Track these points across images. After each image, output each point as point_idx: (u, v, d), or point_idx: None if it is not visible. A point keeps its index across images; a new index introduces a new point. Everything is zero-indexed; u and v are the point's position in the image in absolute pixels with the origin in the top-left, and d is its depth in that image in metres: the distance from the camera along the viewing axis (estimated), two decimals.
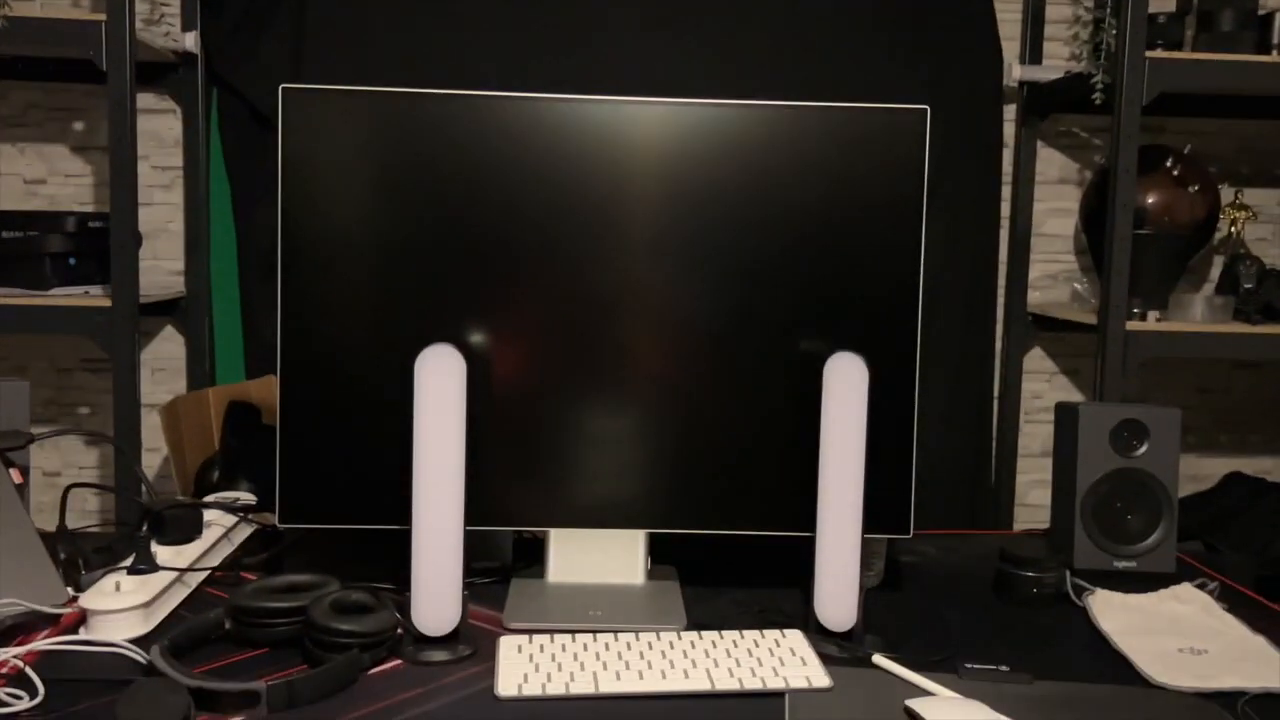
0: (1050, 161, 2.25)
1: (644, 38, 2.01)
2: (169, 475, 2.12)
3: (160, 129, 2.10)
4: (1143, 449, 1.36)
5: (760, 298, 1.18)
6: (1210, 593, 1.27)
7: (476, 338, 1.18)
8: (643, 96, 1.19)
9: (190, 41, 1.98)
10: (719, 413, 1.19)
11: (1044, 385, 2.31)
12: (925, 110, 1.19)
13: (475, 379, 1.17)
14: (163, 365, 2.16)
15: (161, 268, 2.14)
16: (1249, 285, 1.94)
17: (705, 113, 1.18)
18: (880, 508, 1.19)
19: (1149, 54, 1.80)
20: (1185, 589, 1.27)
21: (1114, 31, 1.84)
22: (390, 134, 1.17)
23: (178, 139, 2.10)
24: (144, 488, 1.43)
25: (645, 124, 1.18)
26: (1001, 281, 2.22)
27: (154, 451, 2.12)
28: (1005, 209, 2.21)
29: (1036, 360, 2.29)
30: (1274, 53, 1.90)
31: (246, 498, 1.47)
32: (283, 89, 1.16)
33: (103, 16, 1.69)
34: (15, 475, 1.20)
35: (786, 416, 1.19)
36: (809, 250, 1.18)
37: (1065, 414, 1.39)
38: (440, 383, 1.04)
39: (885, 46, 2.05)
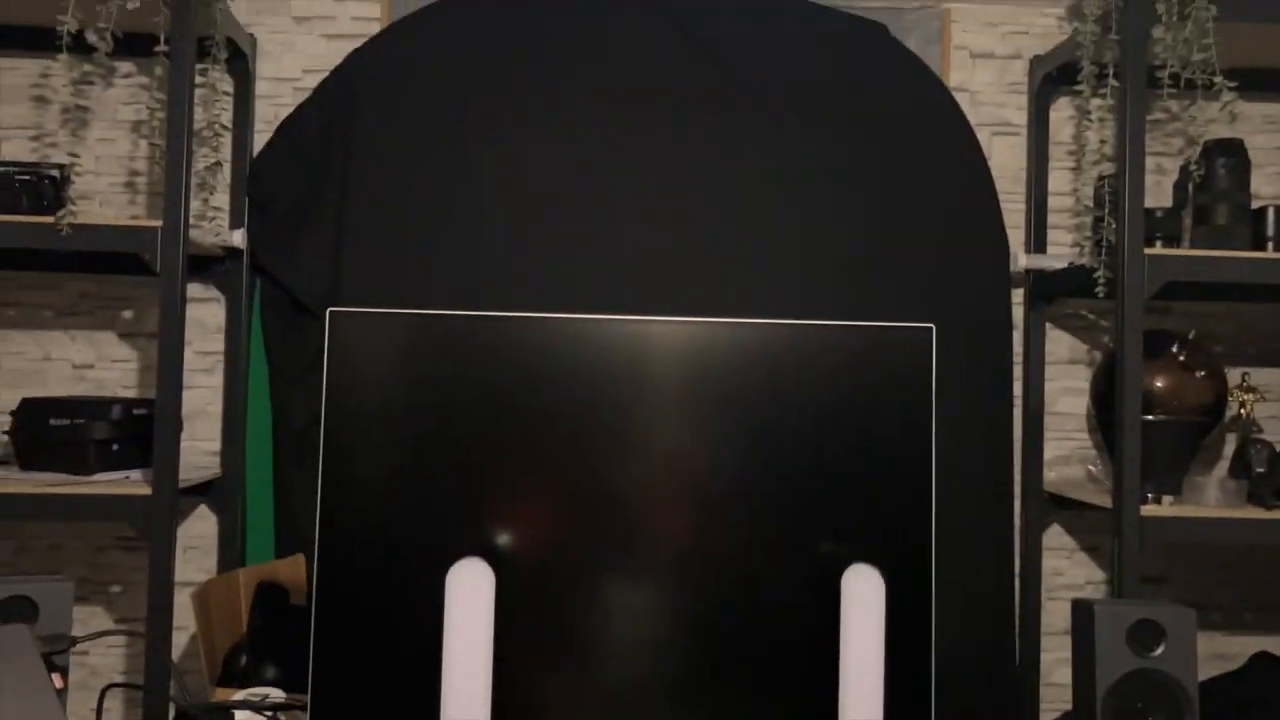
0: (1059, 342, 2.32)
1: (660, 247, 2.10)
2: (196, 654, 2.14)
3: (204, 316, 2.21)
4: (1160, 649, 1.37)
5: (777, 509, 1.23)
6: None
7: (505, 546, 1.22)
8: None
9: (238, 238, 2.11)
10: (739, 624, 1.22)
11: (1065, 562, 2.32)
12: (930, 329, 1.26)
13: (503, 585, 1.21)
14: (194, 544, 2.21)
15: (199, 448, 2.21)
16: (1260, 469, 1.97)
17: (720, 330, 1.26)
18: (901, 718, 1.21)
19: (1148, 250, 1.88)
20: None
21: (1113, 227, 1.93)
22: (426, 352, 1.24)
23: (221, 326, 2.20)
24: (172, 685, 1.46)
25: (664, 341, 1.25)
26: (1017, 460, 2.26)
27: (183, 629, 2.15)
28: (1017, 388, 2.27)
29: (1056, 537, 2.31)
30: (1269, 246, 1.98)
31: (275, 694, 1.49)
32: (330, 312, 1.25)
33: (159, 222, 1.81)
34: (57, 679, 1.24)
35: (806, 624, 1.22)
36: (822, 463, 1.24)
37: (1081, 613, 1.41)
38: (470, 597, 1.09)
39: (893, 237, 2.15)
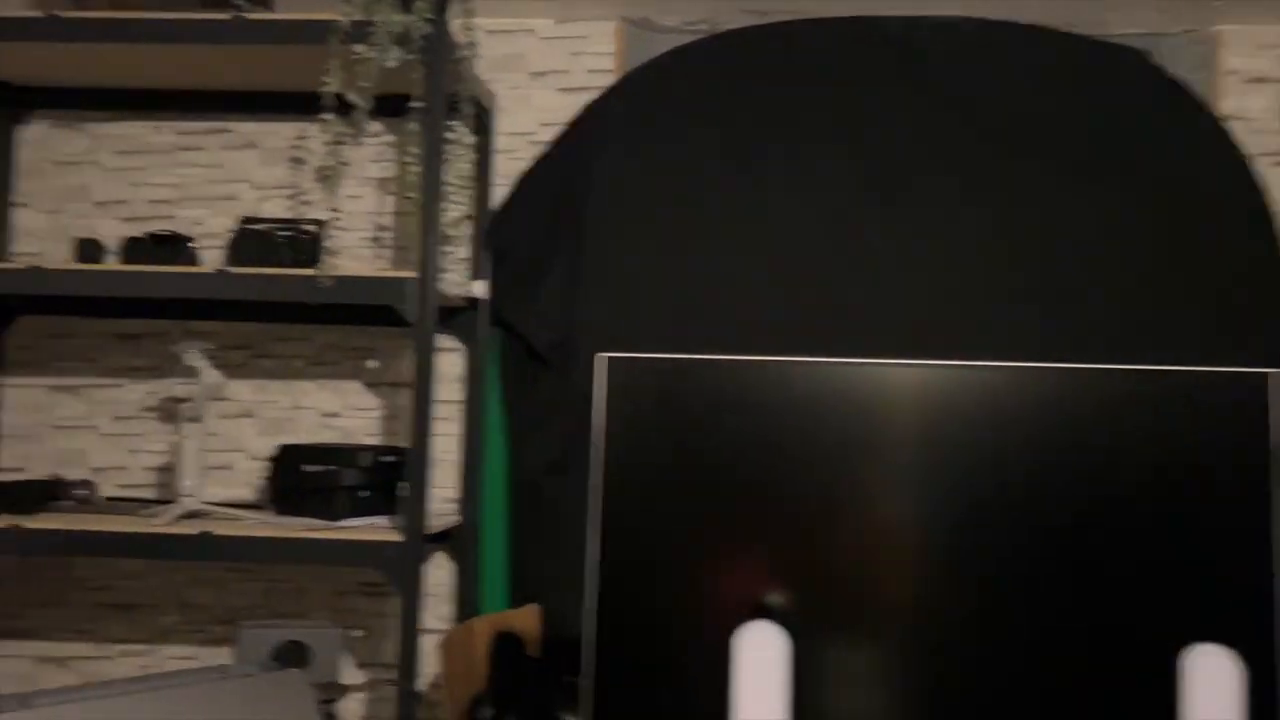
0: None
1: (913, 305, 2.00)
2: (437, 702, 2.15)
3: (445, 366, 2.25)
4: None
5: (1094, 580, 1.11)
6: None
7: (791, 609, 1.15)
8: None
9: (479, 288, 2.14)
10: (1051, 709, 1.10)
11: None
12: (1266, 374, 1.12)
13: (794, 653, 1.13)
14: (432, 591, 2.23)
15: (437, 496, 2.24)
16: None
17: (1019, 377, 1.15)
18: None
19: None
20: None
21: None
22: (701, 400, 1.19)
23: (461, 375, 2.24)
24: None
25: (958, 388, 1.16)
26: None
27: (421, 676, 2.17)
28: None
29: None
30: None
31: None
32: (608, 358, 1.21)
33: (414, 273, 1.85)
34: None
35: (1131, 711, 1.09)
36: (1137, 528, 1.11)
37: None
38: (762, 663, 1.02)
39: (1165, 281, 1.98)
